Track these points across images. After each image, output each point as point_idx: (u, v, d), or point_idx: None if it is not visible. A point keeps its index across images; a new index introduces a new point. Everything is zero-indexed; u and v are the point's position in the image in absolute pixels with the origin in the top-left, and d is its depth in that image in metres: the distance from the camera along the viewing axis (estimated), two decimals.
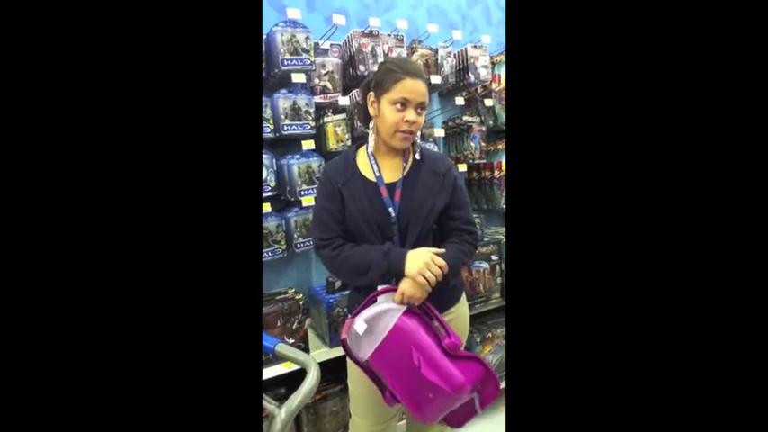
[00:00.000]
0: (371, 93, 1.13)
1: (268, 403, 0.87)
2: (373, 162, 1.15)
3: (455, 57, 2.00)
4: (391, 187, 1.14)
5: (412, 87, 1.07)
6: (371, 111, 1.14)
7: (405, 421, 1.43)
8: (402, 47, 1.83)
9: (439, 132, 1.99)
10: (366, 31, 1.76)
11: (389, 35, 1.82)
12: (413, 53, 1.90)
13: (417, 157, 1.17)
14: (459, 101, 2.03)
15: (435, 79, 1.91)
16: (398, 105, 1.07)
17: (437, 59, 1.94)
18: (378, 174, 1.14)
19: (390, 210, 1.11)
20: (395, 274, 1.07)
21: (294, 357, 0.92)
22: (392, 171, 1.16)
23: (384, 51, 1.77)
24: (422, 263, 1.03)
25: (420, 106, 1.10)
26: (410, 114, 1.08)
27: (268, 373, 1.45)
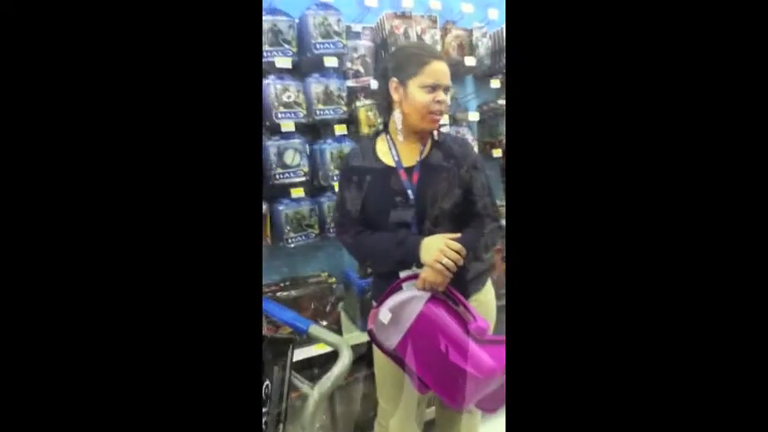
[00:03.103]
0: (394, 78, 1.10)
1: (301, 383, 0.89)
2: (392, 147, 1.15)
3: (491, 38, 1.93)
4: (409, 171, 1.13)
5: (443, 70, 1.09)
6: (396, 96, 1.11)
7: (434, 408, 1.43)
8: (435, 28, 1.79)
9: (473, 116, 1.94)
10: (399, 13, 1.73)
11: (422, 16, 1.77)
12: (446, 34, 1.85)
13: (436, 140, 1.17)
14: (495, 84, 1.96)
15: (470, 61, 1.86)
16: (429, 88, 1.07)
17: (471, 41, 1.88)
18: (396, 158, 1.14)
19: (409, 192, 1.11)
20: (413, 262, 1.07)
21: (326, 339, 0.93)
22: (411, 155, 1.15)
23: (417, 33, 1.74)
24: (436, 250, 1.02)
25: (447, 88, 1.11)
26: (441, 95, 1.09)
27: (301, 354, 1.48)
